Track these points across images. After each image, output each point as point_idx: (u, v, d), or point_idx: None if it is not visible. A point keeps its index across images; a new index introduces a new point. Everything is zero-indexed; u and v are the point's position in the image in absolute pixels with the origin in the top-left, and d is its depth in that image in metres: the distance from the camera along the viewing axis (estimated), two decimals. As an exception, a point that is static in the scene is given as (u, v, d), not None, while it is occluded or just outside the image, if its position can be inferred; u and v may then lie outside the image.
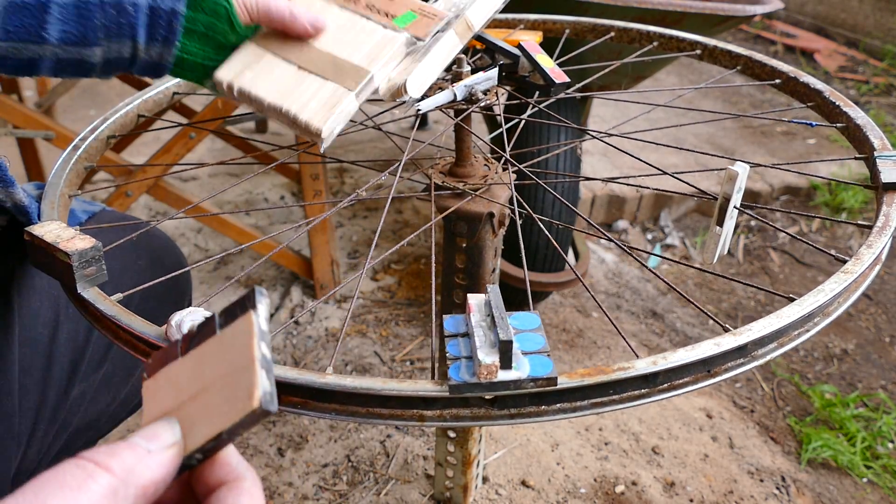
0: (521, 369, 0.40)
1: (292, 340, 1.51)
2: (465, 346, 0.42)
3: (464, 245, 0.77)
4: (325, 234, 1.54)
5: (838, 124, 0.70)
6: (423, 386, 0.41)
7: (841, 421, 1.38)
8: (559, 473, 1.19)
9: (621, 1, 1.19)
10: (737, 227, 2.10)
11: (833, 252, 0.55)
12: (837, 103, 0.71)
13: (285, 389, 0.43)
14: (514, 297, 1.55)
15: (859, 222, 0.57)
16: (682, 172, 0.55)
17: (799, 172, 0.59)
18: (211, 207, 1.50)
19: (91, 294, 0.50)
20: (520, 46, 0.73)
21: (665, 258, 0.57)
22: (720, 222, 0.55)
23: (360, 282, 0.54)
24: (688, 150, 0.64)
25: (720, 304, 1.77)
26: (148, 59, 0.56)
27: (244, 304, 0.33)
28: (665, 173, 0.63)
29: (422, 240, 1.87)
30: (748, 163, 0.55)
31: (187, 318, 0.44)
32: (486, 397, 0.42)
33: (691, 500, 1.17)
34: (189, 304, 0.83)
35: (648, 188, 0.65)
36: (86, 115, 2.57)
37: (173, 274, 0.59)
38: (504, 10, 0.98)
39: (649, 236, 2.03)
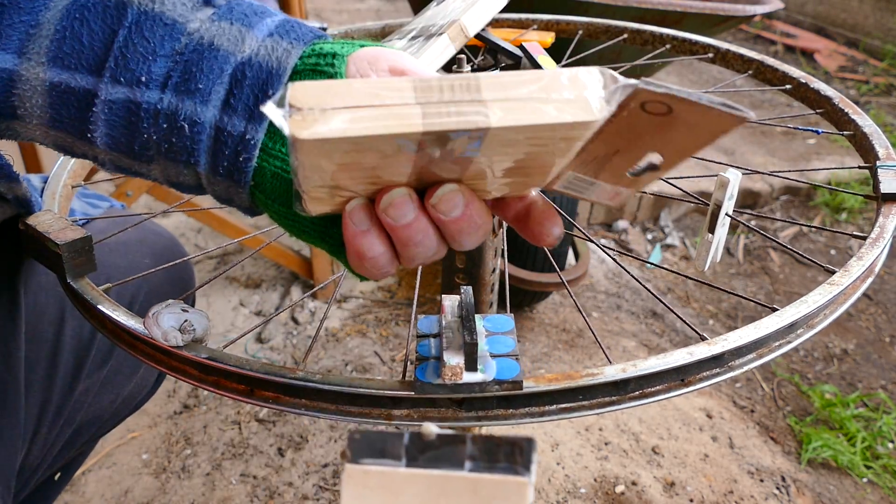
0: (488, 372, 0.40)
1: (292, 340, 1.51)
2: (435, 347, 0.42)
3: (464, 245, 0.77)
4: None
5: (846, 132, 0.69)
6: (390, 385, 0.41)
7: (841, 421, 1.38)
8: (559, 473, 1.19)
9: (622, 1, 1.19)
10: (736, 227, 2.09)
11: (828, 257, 0.54)
12: (846, 111, 0.70)
13: (258, 384, 0.43)
14: (514, 298, 1.55)
15: (854, 233, 0.56)
16: (677, 178, 0.55)
17: (797, 181, 0.59)
18: (206, 203, 1.50)
19: (80, 284, 0.50)
20: (522, 48, 0.73)
21: (656, 266, 0.57)
22: (712, 229, 0.55)
23: (342, 281, 0.53)
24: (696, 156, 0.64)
25: (720, 304, 1.77)
26: (218, 195, 0.40)
27: (513, 456, 0.26)
28: (660, 178, 0.63)
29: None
30: (744, 170, 0.55)
31: (164, 312, 0.44)
32: (454, 398, 0.42)
33: (691, 500, 1.17)
34: (193, 303, 0.83)
35: (645, 192, 0.65)
36: (86, 114, 2.57)
37: (165, 266, 0.59)
38: (512, 11, 0.98)
39: (649, 236, 2.03)
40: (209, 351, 0.44)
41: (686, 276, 0.53)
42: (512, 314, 0.46)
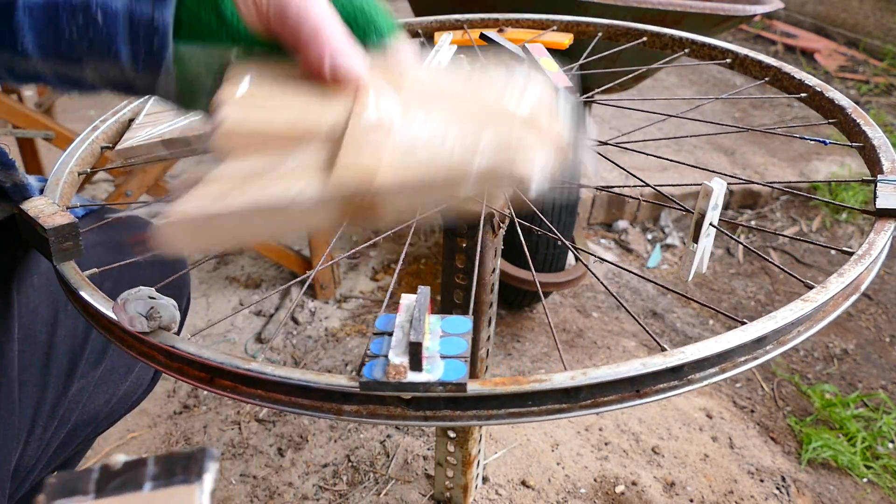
0: (434, 372, 0.40)
1: (292, 340, 1.51)
2: (388, 345, 0.43)
3: (464, 245, 0.77)
4: (326, 234, 1.54)
5: (856, 144, 0.67)
6: (339, 381, 0.41)
7: (841, 421, 1.38)
8: (559, 473, 1.19)
9: (621, 1, 1.19)
10: (737, 227, 2.10)
11: (828, 257, 0.53)
12: (858, 121, 0.68)
13: (217, 373, 0.44)
14: (514, 297, 1.55)
15: (843, 248, 0.53)
16: (666, 184, 0.55)
17: (793, 192, 0.58)
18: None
19: (65, 268, 0.52)
20: (524, 48, 0.73)
21: (640, 276, 0.57)
22: (696, 239, 0.54)
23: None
24: (679, 162, 0.64)
25: (720, 304, 1.77)
26: (156, 91, 0.41)
27: (188, 467, 0.28)
28: (647, 185, 0.63)
29: (421, 239, 1.87)
30: (738, 179, 0.55)
31: (131, 298, 0.44)
32: (404, 397, 0.41)
33: (691, 500, 1.17)
34: (187, 304, 0.83)
35: (639, 198, 0.64)
36: (86, 114, 2.57)
37: (158, 257, 0.59)
38: (512, 11, 0.98)
39: (649, 236, 2.03)
40: (174, 339, 0.45)
41: (665, 288, 0.52)
42: (472, 316, 0.45)
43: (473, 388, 0.40)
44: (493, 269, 0.83)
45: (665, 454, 1.25)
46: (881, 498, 1.25)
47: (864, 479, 1.29)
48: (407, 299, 0.44)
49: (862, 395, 1.48)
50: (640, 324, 0.45)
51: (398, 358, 0.40)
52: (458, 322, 0.44)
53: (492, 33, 0.77)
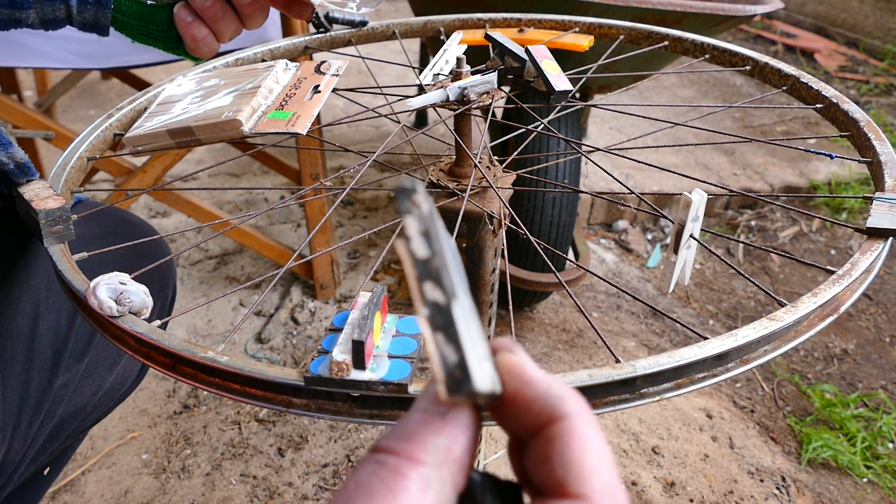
0: (378, 371, 0.40)
1: (292, 340, 1.51)
2: (336, 342, 0.43)
3: (464, 245, 0.77)
4: (325, 234, 1.54)
5: (865, 159, 0.66)
6: (287, 374, 0.42)
7: (841, 421, 1.38)
8: (559, 473, 1.19)
9: (622, 1, 1.19)
10: (737, 227, 2.10)
11: (828, 256, 0.52)
12: (870, 136, 0.67)
13: (179, 360, 0.45)
14: (514, 298, 1.55)
15: (829, 267, 0.51)
16: (656, 192, 0.55)
17: (788, 207, 0.58)
18: (201, 203, 1.50)
19: (54, 250, 0.54)
20: (526, 50, 0.73)
21: (620, 288, 0.57)
22: (676, 250, 0.52)
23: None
24: (673, 171, 0.64)
25: (720, 304, 1.77)
26: (84, 21, 0.58)
27: None
28: (632, 192, 0.63)
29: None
30: (728, 191, 0.54)
31: (102, 283, 0.46)
32: (353, 394, 0.42)
33: (691, 501, 1.17)
34: (173, 294, 0.83)
35: (631, 206, 0.64)
36: (85, 114, 2.57)
37: (142, 241, 0.60)
38: (508, 11, 0.98)
39: (649, 236, 2.03)
40: (141, 324, 0.46)
41: (637, 299, 0.52)
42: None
43: (416, 388, 0.40)
44: (493, 269, 0.83)
45: (665, 454, 1.25)
46: (881, 498, 1.25)
47: (864, 479, 1.29)
48: (364, 296, 0.44)
49: (862, 395, 1.48)
50: (599, 336, 0.45)
51: (342, 355, 0.40)
52: (414, 322, 0.44)
53: (496, 33, 0.76)
